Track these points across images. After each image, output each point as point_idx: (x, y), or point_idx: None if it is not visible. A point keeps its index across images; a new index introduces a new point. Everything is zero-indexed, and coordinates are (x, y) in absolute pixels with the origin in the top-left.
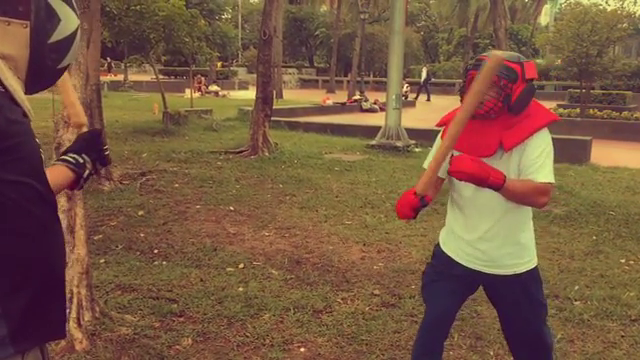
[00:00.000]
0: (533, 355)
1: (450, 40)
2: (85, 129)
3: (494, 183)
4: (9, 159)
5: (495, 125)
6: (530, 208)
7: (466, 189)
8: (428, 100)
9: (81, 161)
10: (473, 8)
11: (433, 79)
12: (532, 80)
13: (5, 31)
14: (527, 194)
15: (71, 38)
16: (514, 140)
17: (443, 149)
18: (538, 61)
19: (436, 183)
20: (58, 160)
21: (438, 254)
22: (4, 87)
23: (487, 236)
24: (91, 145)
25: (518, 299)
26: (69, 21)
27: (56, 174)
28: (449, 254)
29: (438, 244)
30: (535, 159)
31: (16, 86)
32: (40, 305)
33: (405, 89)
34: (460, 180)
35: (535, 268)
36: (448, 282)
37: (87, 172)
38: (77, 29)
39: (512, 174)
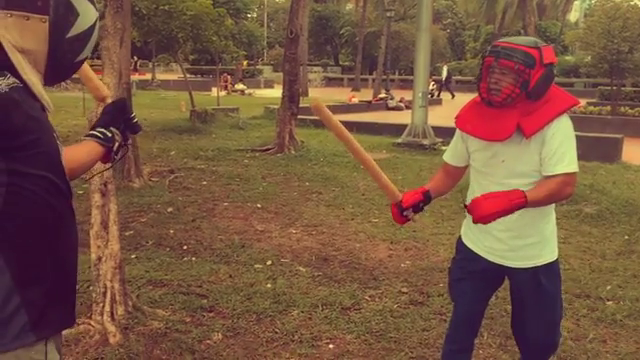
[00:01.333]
0: (538, 352)
1: (477, 37)
2: (109, 100)
3: (518, 205)
4: (29, 153)
5: (513, 111)
6: None
7: (484, 178)
8: (453, 97)
9: (109, 135)
10: (501, 5)
11: (459, 77)
12: (551, 65)
13: (24, 26)
14: (552, 194)
15: (89, 32)
16: (535, 126)
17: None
18: (567, 58)
19: (455, 174)
20: (87, 136)
21: (460, 247)
22: (23, 82)
23: (507, 224)
24: (118, 115)
25: (534, 293)
26: (87, 15)
27: (87, 150)
28: (469, 246)
29: (460, 237)
30: (555, 149)
31: (35, 80)
32: (57, 293)
33: (431, 87)
34: (489, 223)
35: (555, 262)
36: (472, 280)
37: (117, 145)
38: (95, 23)
39: (532, 161)
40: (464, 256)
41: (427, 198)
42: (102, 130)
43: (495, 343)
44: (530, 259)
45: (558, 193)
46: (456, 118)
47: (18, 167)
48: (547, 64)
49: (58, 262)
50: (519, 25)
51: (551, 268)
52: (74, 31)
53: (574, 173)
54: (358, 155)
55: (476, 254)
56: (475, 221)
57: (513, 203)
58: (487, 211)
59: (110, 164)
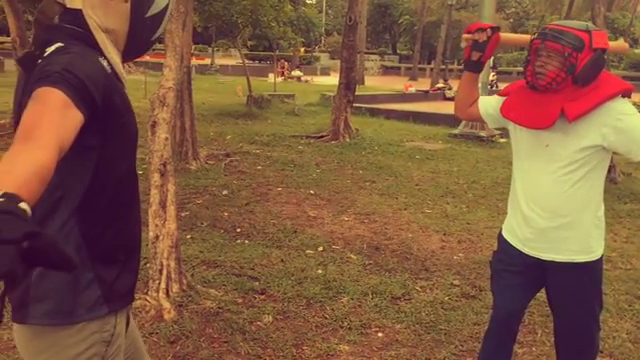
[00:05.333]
0: (577, 354)
1: (541, 28)
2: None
3: None
4: (120, 135)
5: (558, 97)
6: (601, 192)
7: (527, 162)
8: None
9: None
10: None
11: (521, 67)
12: (602, 50)
13: (108, 5)
14: None
15: (164, 12)
16: (578, 110)
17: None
18: (637, 51)
19: (473, 110)
20: None
21: (500, 240)
22: (109, 62)
23: (550, 215)
24: None
25: (566, 289)
26: None
27: None
28: (508, 239)
29: (501, 230)
30: (637, 132)
31: (117, 59)
32: (126, 269)
33: (492, 77)
34: None
35: (596, 262)
36: (511, 275)
37: None
38: (168, 3)
39: (576, 146)
40: (503, 249)
41: (479, 61)
42: None
43: (549, 341)
44: (567, 254)
45: None
46: (502, 105)
47: (109, 148)
48: (597, 49)
49: (128, 240)
50: (587, 16)
51: (591, 267)
52: (152, 10)
53: None
54: None
55: (514, 247)
56: None
57: None
58: None
59: None
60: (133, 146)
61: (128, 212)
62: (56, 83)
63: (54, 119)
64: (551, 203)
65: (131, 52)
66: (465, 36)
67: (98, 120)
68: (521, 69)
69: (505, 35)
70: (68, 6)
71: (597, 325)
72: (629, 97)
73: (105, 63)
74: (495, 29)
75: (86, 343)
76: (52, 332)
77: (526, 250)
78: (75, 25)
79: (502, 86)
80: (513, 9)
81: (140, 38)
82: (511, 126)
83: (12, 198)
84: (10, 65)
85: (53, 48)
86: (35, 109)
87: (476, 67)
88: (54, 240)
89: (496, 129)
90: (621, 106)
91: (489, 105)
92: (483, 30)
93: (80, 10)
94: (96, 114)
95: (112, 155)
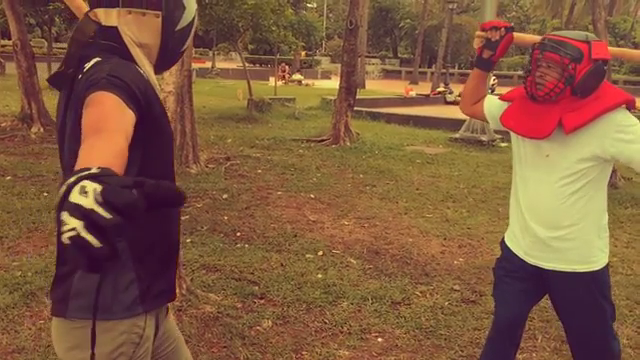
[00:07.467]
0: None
1: (542, 32)
2: None
3: None
4: (160, 141)
5: (556, 108)
6: (604, 202)
7: (528, 171)
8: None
9: None
10: None
11: (521, 72)
12: (602, 61)
13: (141, 21)
14: None
15: (191, 24)
16: (576, 122)
17: None
18: None
19: (477, 106)
20: None
21: (503, 248)
22: (146, 74)
23: (552, 224)
24: None
25: (580, 300)
26: (191, 8)
27: None
28: (510, 246)
29: (504, 236)
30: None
31: (151, 72)
32: (165, 271)
33: (492, 81)
34: None
35: (600, 271)
36: (513, 282)
37: None
38: (195, 16)
39: (576, 157)
40: (506, 257)
41: (490, 59)
42: None
43: (550, 347)
44: (568, 263)
45: None
46: (502, 114)
47: (150, 150)
48: (596, 60)
49: (167, 242)
50: (587, 20)
51: (594, 277)
52: (182, 24)
53: None
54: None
55: (516, 255)
56: None
57: None
58: None
59: None
60: (170, 150)
61: (168, 215)
62: (105, 87)
63: (115, 114)
64: (551, 214)
65: (162, 64)
66: (478, 33)
67: (141, 122)
68: (521, 73)
69: (519, 35)
70: (104, 24)
71: (612, 335)
72: (633, 109)
73: (143, 72)
74: (509, 29)
75: (115, 343)
76: (88, 327)
77: (528, 259)
78: (111, 41)
79: (501, 90)
80: (514, 13)
81: (171, 51)
82: (514, 135)
83: (107, 169)
84: (11, 68)
85: (92, 62)
86: (94, 111)
87: (486, 65)
88: (158, 182)
89: (497, 133)
90: (622, 117)
91: (493, 106)
92: (497, 29)
93: (115, 27)
94: (140, 115)
95: (153, 157)
